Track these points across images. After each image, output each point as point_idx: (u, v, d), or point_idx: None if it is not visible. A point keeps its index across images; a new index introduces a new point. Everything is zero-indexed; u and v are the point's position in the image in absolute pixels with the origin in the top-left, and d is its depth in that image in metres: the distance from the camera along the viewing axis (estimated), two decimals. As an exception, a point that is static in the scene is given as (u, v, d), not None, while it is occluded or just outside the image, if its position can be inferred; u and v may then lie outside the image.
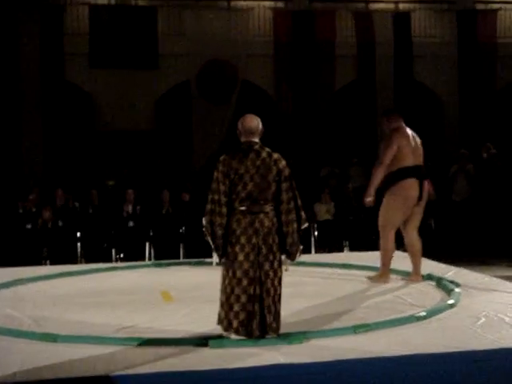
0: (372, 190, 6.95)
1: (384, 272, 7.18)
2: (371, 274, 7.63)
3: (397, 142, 6.86)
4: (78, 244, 11.05)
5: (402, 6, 18.42)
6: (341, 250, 11.45)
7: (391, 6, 18.44)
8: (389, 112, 7.26)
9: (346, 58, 17.42)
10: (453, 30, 18.09)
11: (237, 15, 17.36)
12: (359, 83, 17.65)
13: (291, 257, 5.06)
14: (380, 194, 7.10)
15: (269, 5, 17.76)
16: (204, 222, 4.99)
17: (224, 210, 4.95)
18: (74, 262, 10.49)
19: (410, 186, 6.89)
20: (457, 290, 6.45)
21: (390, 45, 17.61)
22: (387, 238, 7.02)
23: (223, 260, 4.99)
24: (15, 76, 15.97)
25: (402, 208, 6.91)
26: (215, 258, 5.04)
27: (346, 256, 9.95)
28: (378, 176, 6.90)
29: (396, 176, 6.88)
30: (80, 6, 16.64)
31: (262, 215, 4.95)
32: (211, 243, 4.99)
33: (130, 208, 11.91)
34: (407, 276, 7.27)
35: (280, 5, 17.98)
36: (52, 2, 16.79)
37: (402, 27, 17.80)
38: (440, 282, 6.87)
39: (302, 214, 5.05)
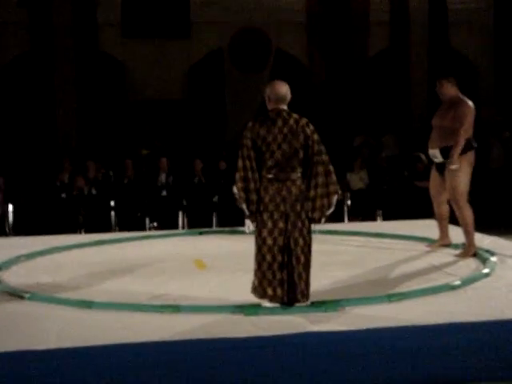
0: (457, 157, 6.80)
1: (471, 243, 6.84)
2: (406, 242, 7.60)
3: (472, 111, 6.77)
4: (112, 213, 11.14)
5: (436, -29, 18.09)
6: (374, 219, 11.40)
7: (426, -29, 18.13)
8: (451, 76, 7.05)
9: (380, 24, 17.18)
10: (489, -4, 17.75)
11: (270, -18, 17.17)
12: (393, 50, 17.42)
13: (315, 221, 5.01)
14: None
15: (302, -28, 17.56)
16: (235, 189, 4.97)
17: (256, 175, 4.95)
18: (108, 230, 10.58)
19: (472, 154, 6.84)
20: (492, 259, 6.40)
21: (425, 11, 17.32)
22: (467, 206, 6.83)
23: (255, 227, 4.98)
24: (49, 46, 15.99)
25: (469, 176, 6.84)
26: (248, 226, 5.05)
27: (380, 225, 9.90)
28: (462, 143, 6.76)
29: (465, 146, 6.78)
30: (112, -24, 16.61)
31: (289, 183, 4.94)
32: (245, 209, 4.99)
33: (163, 177, 11.96)
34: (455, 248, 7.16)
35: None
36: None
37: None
38: (475, 251, 6.81)
39: (333, 178, 4.99)
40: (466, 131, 6.75)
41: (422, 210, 9.62)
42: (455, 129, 6.74)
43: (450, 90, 6.95)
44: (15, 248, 7.47)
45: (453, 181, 6.78)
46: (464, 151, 6.75)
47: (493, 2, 17.66)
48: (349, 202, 11.50)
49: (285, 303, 4.88)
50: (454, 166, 6.70)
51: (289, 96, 5.09)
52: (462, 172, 6.76)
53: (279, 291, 4.86)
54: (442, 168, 6.94)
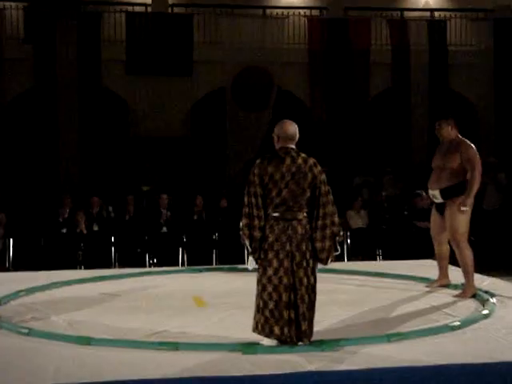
0: (471, 200, 6.80)
1: (471, 284, 6.82)
2: (406, 282, 7.60)
3: (476, 152, 6.82)
4: (113, 249, 11.15)
5: (437, 14, 18.34)
6: (374, 258, 11.39)
7: (426, 14, 18.37)
8: (451, 118, 7.05)
9: (381, 65, 17.38)
10: (489, 38, 17.94)
11: (272, 23, 17.42)
12: (394, 91, 17.58)
13: (322, 262, 5.03)
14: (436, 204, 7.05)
15: (303, 13, 17.80)
16: (241, 225, 5.00)
17: (261, 212, 4.96)
18: (108, 266, 10.57)
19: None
20: (491, 300, 6.38)
21: (425, 53, 17.53)
22: (467, 246, 6.84)
23: (258, 265, 4.99)
24: (52, 82, 16.17)
25: (469, 217, 6.85)
26: (251, 263, 5.05)
27: (379, 264, 9.89)
28: (477, 186, 6.78)
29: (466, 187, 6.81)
30: (117, 14, 16.84)
31: (295, 222, 4.95)
32: (248, 246, 5.00)
33: (164, 213, 11.98)
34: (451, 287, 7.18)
35: (315, 13, 18.02)
36: (89, 9, 17.03)
37: (437, 35, 17.70)
38: (475, 292, 6.79)
39: (336, 219, 5.02)
40: (479, 171, 6.74)
41: (422, 249, 9.65)
42: (454, 170, 6.78)
43: (449, 131, 7.00)
44: (15, 283, 7.45)
45: (453, 221, 6.80)
46: (464, 192, 6.78)
47: (493, 45, 17.87)
48: (348, 241, 11.52)
49: (293, 342, 4.86)
50: (464, 208, 6.72)
51: (297, 135, 5.15)
52: (461, 213, 6.78)
53: (286, 330, 4.85)
54: (442, 208, 6.97)
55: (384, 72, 17.51)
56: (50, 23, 16.14)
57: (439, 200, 6.97)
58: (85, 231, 11.23)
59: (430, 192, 7.06)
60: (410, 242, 11.22)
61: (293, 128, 5.14)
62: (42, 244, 11.04)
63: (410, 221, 11.78)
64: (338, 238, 5.02)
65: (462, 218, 6.78)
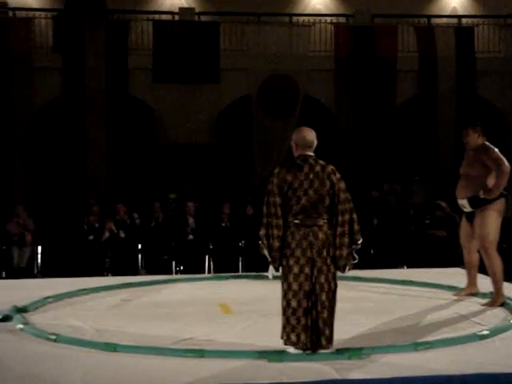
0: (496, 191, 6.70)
1: (499, 292, 6.77)
2: (433, 291, 7.54)
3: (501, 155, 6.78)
4: (139, 256, 11.20)
5: (464, 20, 18.23)
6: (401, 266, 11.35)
7: (454, 20, 18.28)
8: (478, 125, 7.00)
9: (408, 72, 17.31)
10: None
11: (298, 30, 17.41)
12: (421, 98, 17.49)
13: (340, 269, 5.01)
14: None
15: (330, 20, 17.79)
16: (260, 234, 5.01)
17: (280, 222, 4.96)
18: (135, 273, 10.63)
19: (502, 202, 6.81)
20: (521, 308, 6.33)
21: (453, 60, 17.41)
22: (496, 255, 6.77)
23: (279, 273, 4.99)
24: (80, 91, 16.32)
25: (499, 225, 6.79)
26: (271, 272, 5.05)
27: (405, 272, 9.83)
28: (505, 182, 6.71)
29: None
30: (144, 22, 16.97)
31: (315, 228, 4.94)
32: (268, 256, 5.01)
33: (190, 221, 12.02)
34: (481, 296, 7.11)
35: (341, 20, 18.00)
36: (117, 18, 17.18)
37: (464, 42, 17.57)
38: (504, 301, 6.73)
39: (356, 227, 4.98)
40: (505, 172, 6.67)
41: (443, 257, 9.67)
42: (480, 177, 6.73)
43: (476, 138, 6.95)
44: (43, 289, 7.52)
45: (482, 229, 6.74)
46: (493, 199, 6.72)
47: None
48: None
49: (308, 349, 4.85)
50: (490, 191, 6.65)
51: (315, 142, 5.13)
52: (491, 220, 6.72)
53: (303, 337, 4.84)
54: (471, 217, 6.92)
55: (411, 79, 17.44)
56: (78, 32, 16.29)
57: (468, 209, 6.92)
58: (108, 235, 11.30)
59: (459, 201, 7.02)
60: (429, 250, 11.23)
61: (311, 135, 5.13)
62: (69, 251, 11.13)
63: (428, 229, 11.78)
64: (355, 246, 4.99)
65: (490, 225, 6.72)
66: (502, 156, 6.77)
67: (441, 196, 12.99)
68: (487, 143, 6.94)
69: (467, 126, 7.06)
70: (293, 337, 4.86)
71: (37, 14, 16.67)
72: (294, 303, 4.87)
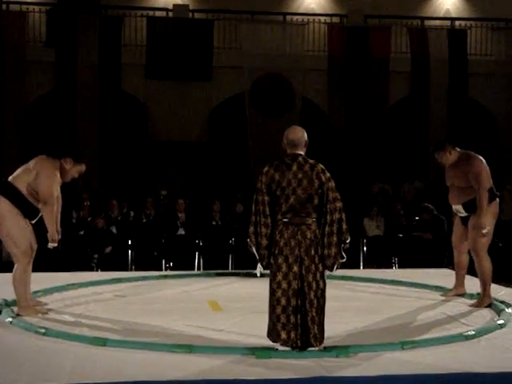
0: (485, 219, 6.71)
1: (487, 294, 6.81)
2: (420, 291, 7.59)
3: (484, 165, 6.78)
4: (129, 252, 11.20)
5: (457, 23, 18.27)
6: (390, 266, 11.39)
7: (447, 22, 18.32)
8: (444, 144, 6.98)
9: (400, 73, 17.34)
10: (510, 48, 17.84)
11: (292, 29, 17.42)
12: (413, 99, 17.53)
13: (328, 268, 5.03)
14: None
15: (324, 20, 17.82)
16: (249, 232, 5.03)
17: (268, 220, 4.99)
18: (124, 269, 10.63)
19: (496, 204, 6.85)
20: (507, 310, 6.37)
21: (445, 62, 17.46)
22: (487, 257, 6.81)
23: (267, 271, 5.02)
24: (73, 85, 16.28)
25: (493, 227, 6.83)
26: (259, 269, 5.07)
27: (395, 273, 9.88)
28: (486, 202, 6.73)
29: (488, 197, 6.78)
30: (138, 18, 16.94)
31: (304, 227, 4.96)
32: (255, 254, 5.04)
33: (180, 218, 12.04)
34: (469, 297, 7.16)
35: (335, 20, 18.03)
36: (111, 13, 17.16)
37: (457, 44, 17.61)
38: (490, 302, 6.78)
39: (344, 226, 5.00)
40: (486, 188, 6.73)
41: (428, 259, 9.77)
42: (470, 185, 6.75)
43: (449, 156, 6.93)
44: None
45: (477, 232, 6.76)
46: (488, 202, 6.75)
47: (513, 54, 17.79)
48: (365, 249, 11.52)
49: (298, 347, 4.89)
50: (485, 230, 6.68)
51: (303, 141, 5.12)
52: (484, 236, 6.75)
53: (293, 335, 4.87)
54: (466, 220, 6.96)
55: (403, 80, 17.47)
56: (71, 27, 16.24)
57: (463, 214, 6.97)
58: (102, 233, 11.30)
59: (454, 207, 7.06)
60: (417, 251, 11.31)
61: (297, 134, 5.13)
62: (59, 245, 11.10)
63: (413, 232, 11.86)
64: (344, 245, 5.02)
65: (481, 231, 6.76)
66: (482, 171, 6.73)
67: (431, 197, 13.06)
68: (463, 152, 6.92)
69: (436, 150, 7.02)
70: (283, 334, 4.89)
71: (30, 7, 16.61)
72: (283, 301, 4.90)
